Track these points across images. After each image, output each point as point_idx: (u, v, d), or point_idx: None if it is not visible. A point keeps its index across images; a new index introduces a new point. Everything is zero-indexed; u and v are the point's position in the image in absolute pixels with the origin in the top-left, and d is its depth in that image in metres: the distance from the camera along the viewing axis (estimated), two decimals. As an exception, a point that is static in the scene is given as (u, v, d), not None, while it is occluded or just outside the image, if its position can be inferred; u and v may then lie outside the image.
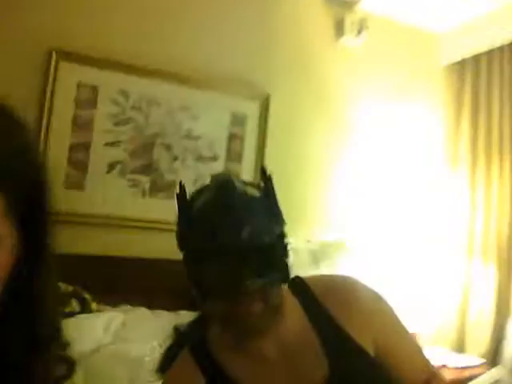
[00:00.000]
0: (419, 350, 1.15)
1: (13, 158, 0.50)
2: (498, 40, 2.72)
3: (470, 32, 2.89)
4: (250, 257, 0.91)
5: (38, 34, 2.20)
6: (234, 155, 2.61)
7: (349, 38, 2.86)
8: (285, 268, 0.97)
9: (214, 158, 2.55)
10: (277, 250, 0.96)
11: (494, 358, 2.52)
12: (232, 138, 2.61)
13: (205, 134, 2.54)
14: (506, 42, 2.69)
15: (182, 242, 0.98)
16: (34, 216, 0.54)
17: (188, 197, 1.00)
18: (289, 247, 1.00)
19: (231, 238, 0.90)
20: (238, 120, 2.64)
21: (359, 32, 2.86)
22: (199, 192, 1.00)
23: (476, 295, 2.68)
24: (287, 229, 0.99)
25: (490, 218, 2.72)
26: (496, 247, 2.65)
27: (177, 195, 1.00)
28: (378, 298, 1.12)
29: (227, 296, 0.92)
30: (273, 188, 1.00)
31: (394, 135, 2.96)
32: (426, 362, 1.14)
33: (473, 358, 2.51)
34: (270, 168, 1.02)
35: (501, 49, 2.72)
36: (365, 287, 1.12)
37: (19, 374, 0.54)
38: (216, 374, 1.02)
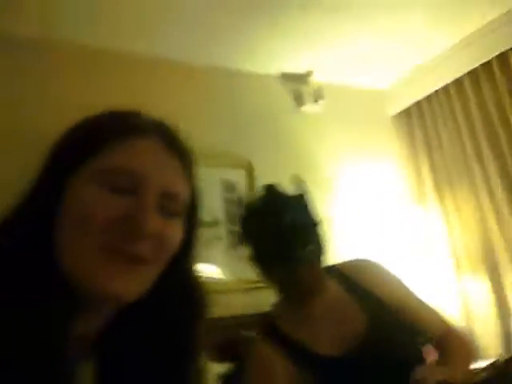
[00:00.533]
0: (435, 311, 1.44)
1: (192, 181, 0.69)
2: (432, 87, 3.23)
3: (409, 84, 3.40)
4: (294, 235, 1.26)
5: None
6: (232, 218, 2.81)
7: (309, 106, 3.28)
8: (321, 244, 1.33)
9: (216, 223, 2.76)
10: (313, 230, 1.32)
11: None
12: (227, 202, 2.85)
13: (204, 204, 2.75)
14: (438, 87, 3.20)
15: (246, 235, 1.36)
16: (195, 223, 0.70)
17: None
18: (323, 231, 1.37)
19: (278, 222, 1.27)
20: (230, 187, 2.90)
21: (316, 100, 3.30)
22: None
23: (476, 303, 2.90)
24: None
25: (466, 236, 3.03)
26: (480, 259, 2.93)
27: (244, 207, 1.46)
28: (391, 273, 1.47)
29: (285, 264, 1.27)
30: (306, 192, 1.39)
31: (368, 185, 3.29)
32: (443, 319, 1.43)
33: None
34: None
35: (436, 93, 3.23)
36: (379, 265, 1.48)
37: (187, 341, 0.67)
38: (286, 342, 1.31)
